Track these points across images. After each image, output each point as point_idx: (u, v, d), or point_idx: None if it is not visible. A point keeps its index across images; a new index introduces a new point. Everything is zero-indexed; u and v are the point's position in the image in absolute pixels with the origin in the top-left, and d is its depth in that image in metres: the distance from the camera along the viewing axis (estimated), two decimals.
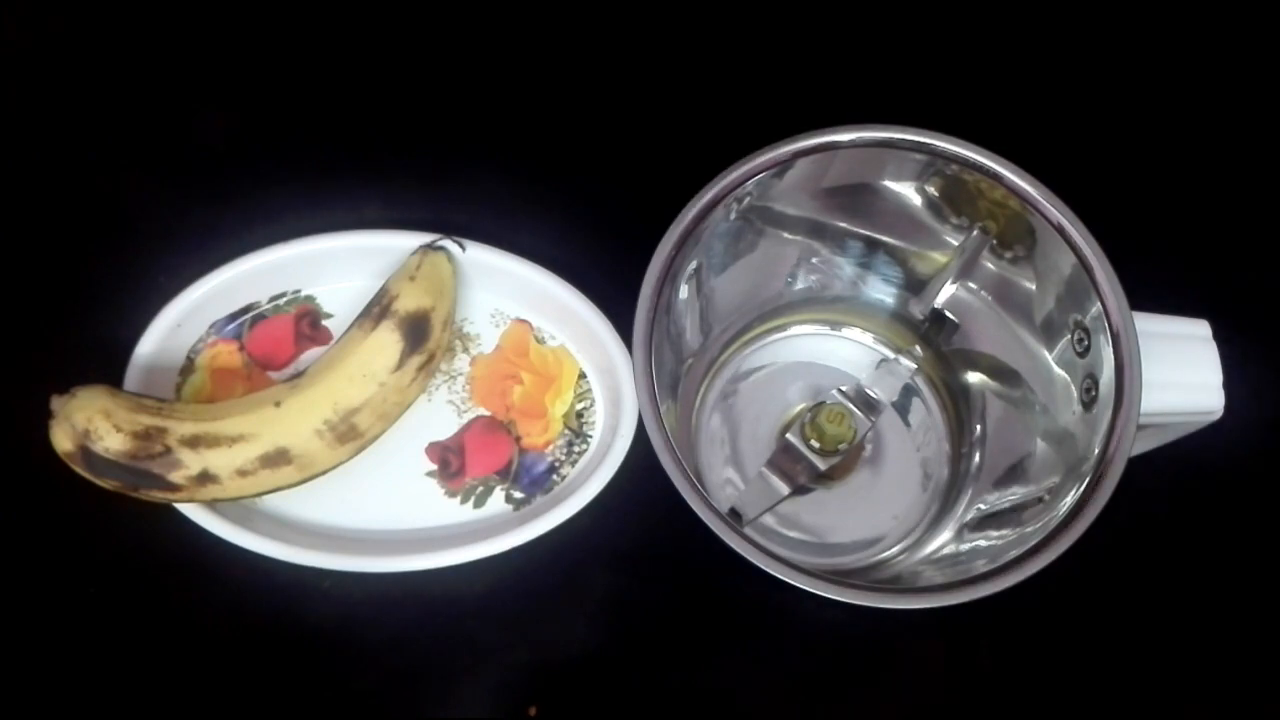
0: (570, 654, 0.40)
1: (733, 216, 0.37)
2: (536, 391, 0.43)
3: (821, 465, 0.39)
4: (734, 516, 0.38)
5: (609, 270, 0.42)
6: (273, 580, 0.40)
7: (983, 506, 0.39)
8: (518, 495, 0.42)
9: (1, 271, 0.44)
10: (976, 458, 0.41)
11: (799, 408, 0.42)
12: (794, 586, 0.32)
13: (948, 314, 0.40)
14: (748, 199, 0.37)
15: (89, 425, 0.36)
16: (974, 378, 0.41)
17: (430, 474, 0.42)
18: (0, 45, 0.47)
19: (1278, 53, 0.49)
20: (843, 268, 0.42)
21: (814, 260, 0.42)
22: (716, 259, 0.39)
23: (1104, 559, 0.41)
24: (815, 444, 0.39)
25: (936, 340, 0.42)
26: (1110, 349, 0.34)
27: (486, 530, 0.40)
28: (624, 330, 0.41)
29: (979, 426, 0.41)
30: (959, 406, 0.42)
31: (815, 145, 0.36)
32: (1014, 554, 0.32)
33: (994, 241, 0.38)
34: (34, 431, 0.37)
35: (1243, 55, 0.49)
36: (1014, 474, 0.39)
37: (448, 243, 0.42)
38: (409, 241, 0.42)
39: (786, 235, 0.40)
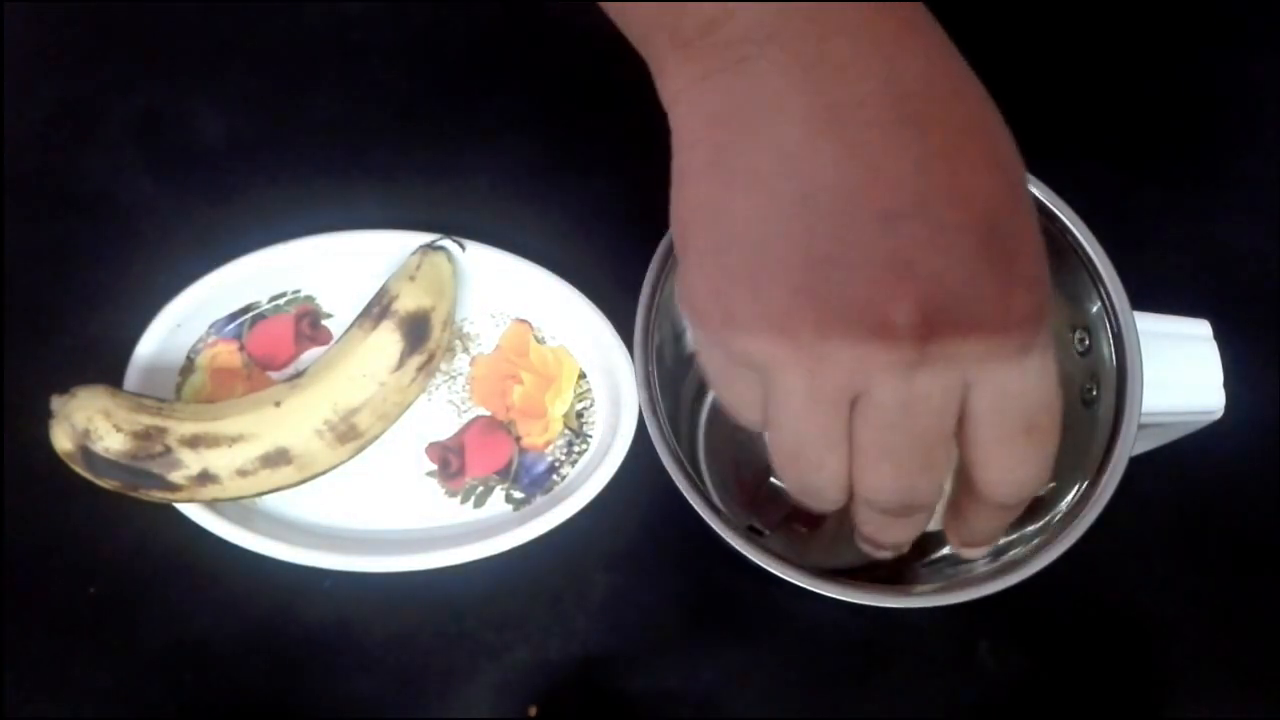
0: (570, 654, 0.40)
1: None
2: (536, 391, 0.43)
3: None
4: (753, 531, 0.38)
5: (609, 270, 0.42)
6: (273, 580, 0.40)
7: None
8: (518, 495, 0.42)
9: (2, 271, 0.44)
10: None
11: None
12: (794, 585, 0.32)
13: None
14: None
15: (89, 425, 0.36)
16: None
17: (430, 474, 0.42)
18: (1, 45, 0.47)
19: (1277, 53, 0.49)
20: None
21: None
22: None
23: (1104, 559, 0.41)
24: None
25: None
26: (1111, 349, 0.34)
27: (486, 530, 0.40)
28: (624, 330, 0.41)
29: None
30: None
31: None
32: (1014, 554, 0.32)
33: None
34: (34, 431, 0.37)
35: (1242, 55, 0.49)
36: None
37: (448, 243, 0.42)
38: (409, 241, 0.42)
39: None
